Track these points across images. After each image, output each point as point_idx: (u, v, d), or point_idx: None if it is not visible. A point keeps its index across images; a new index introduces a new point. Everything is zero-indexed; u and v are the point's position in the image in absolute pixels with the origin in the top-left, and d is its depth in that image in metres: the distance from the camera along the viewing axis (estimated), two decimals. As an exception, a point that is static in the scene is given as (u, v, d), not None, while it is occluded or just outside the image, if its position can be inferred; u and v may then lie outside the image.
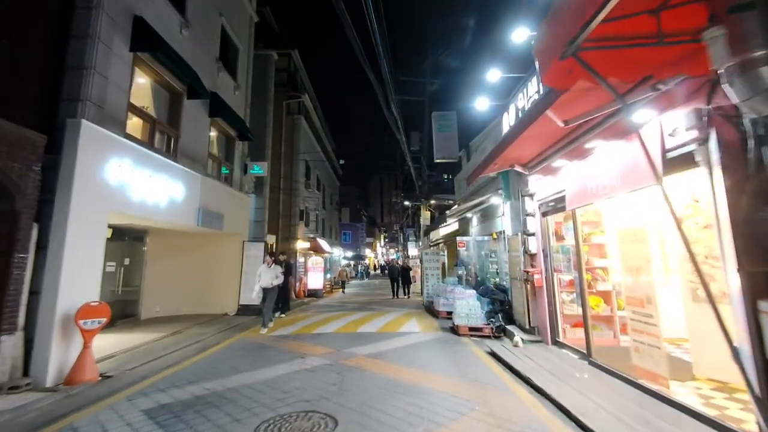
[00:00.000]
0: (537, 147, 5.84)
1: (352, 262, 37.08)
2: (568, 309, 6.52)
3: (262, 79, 16.25)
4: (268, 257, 9.28)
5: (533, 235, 6.96)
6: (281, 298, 10.95)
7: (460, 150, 12.12)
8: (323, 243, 23.10)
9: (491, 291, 8.67)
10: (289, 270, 11.82)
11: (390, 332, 8.37)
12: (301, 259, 20.09)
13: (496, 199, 8.66)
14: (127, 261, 10.02)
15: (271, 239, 16.98)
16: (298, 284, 19.01)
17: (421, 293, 16.77)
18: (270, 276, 9.31)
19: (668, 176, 3.74)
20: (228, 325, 9.56)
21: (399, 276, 16.36)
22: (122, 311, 9.84)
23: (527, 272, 6.95)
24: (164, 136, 8.65)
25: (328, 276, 27.97)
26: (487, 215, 9.81)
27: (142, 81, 8.15)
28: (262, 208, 14.81)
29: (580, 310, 6.47)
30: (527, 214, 7.06)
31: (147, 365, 6.00)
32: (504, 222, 8.54)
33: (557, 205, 6.16)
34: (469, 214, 11.09)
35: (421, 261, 20.24)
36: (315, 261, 19.92)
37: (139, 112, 7.61)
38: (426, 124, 18.09)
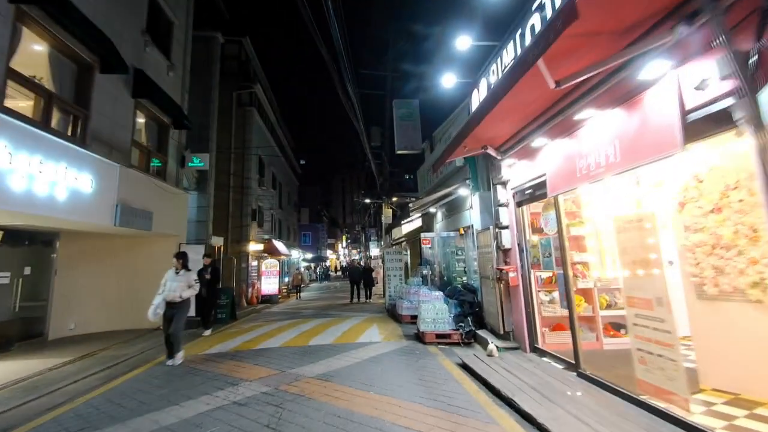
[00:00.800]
0: (514, 123, 4.98)
1: (312, 264, 35.50)
2: (547, 310, 5.73)
3: (206, 63, 14.62)
4: (175, 260, 7.00)
5: (507, 228, 6.12)
6: (206, 312, 9.46)
7: (423, 141, 11.25)
8: (279, 245, 21.55)
9: (459, 292, 7.79)
10: (216, 276, 9.90)
11: (347, 343, 7.26)
12: (254, 263, 18.50)
13: (463, 191, 7.80)
14: (27, 270, 8.21)
15: (217, 241, 15.33)
16: (250, 290, 17.46)
17: (383, 295, 15.78)
18: (177, 285, 6.60)
19: (691, 144, 2.93)
20: (156, 344, 8.03)
21: (360, 278, 15.08)
22: (23, 331, 8.04)
23: (500, 270, 6.10)
24: (68, 117, 7.06)
25: (286, 280, 26.41)
26: (454, 209, 8.95)
27: (36, 47, 6.55)
28: (205, 207, 13.20)
29: (559, 311, 5.71)
30: (500, 205, 6.21)
31: (24, 406, 4.52)
32: (472, 215, 7.69)
33: (535, 193, 5.33)
34: (433, 209, 10.20)
35: (383, 261, 19.30)
36: (269, 264, 18.41)
37: (27, 82, 6.04)
38: (387, 119, 17.16)
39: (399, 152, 11.07)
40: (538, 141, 4.88)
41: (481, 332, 6.88)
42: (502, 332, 6.17)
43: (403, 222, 13.54)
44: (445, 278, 9.68)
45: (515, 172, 5.85)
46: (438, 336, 7.01)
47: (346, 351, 6.62)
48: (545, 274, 5.77)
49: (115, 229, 8.19)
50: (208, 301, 9.46)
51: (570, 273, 4.74)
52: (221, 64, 18.03)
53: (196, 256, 10.52)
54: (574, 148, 4.26)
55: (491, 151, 5.73)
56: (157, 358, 6.76)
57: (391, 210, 19.22)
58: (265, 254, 19.45)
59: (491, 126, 5.02)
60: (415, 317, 9.03)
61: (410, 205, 7.36)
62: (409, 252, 13.48)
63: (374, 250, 25.43)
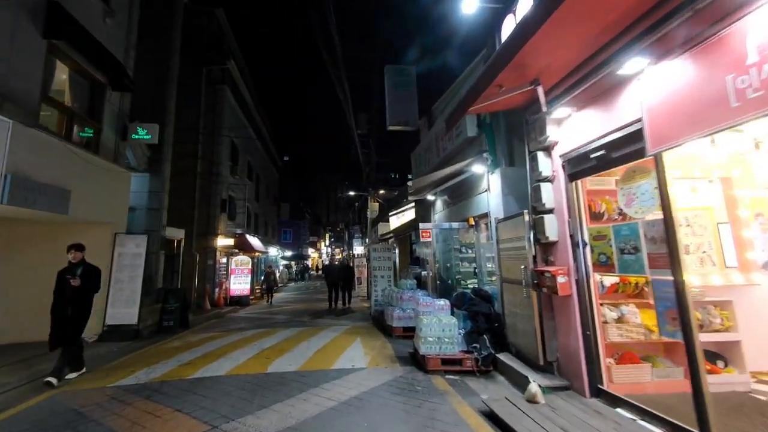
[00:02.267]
0: (586, 41, 3.06)
1: (292, 263, 33.19)
2: (614, 333, 3.83)
3: (167, 27, 12.31)
4: (73, 252, 5.39)
5: (551, 212, 4.21)
6: (68, 339, 5.15)
7: (420, 118, 9.31)
8: (254, 240, 19.26)
9: (469, 300, 5.85)
10: (90, 282, 5.41)
11: (320, 370, 5.22)
12: (224, 260, 16.22)
13: (478, 167, 5.85)
14: None
15: (177, 233, 13.02)
16: (217, 290, 15.19)
17: (368, 297, 13.74)
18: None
19: None
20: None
21: (339, 279, 12.11)
22: None
23: (541, 273, 4.17)
24: None
25: (263, 279, 24.08)
26: (460, 194, 7.00)
27: None
28: (159, 192, 10.92)
29: (627, 335, 3.83)
30: (540, 180, 4.29)
31: None
32: (490, 200, 5.76)
33: (611, 155, 3.40)
34: (431, 196, 8.25)
35: (368, 259, 17.29)
36: (240, 261, 16.16)
37: None
38: (375, 107, 15.21)
39: (391, 128, 9.11)
40: (630, 65, 2.96)
41: (503, 356, 4.95)
42: (541, 362, 4.24)
43: (391, 214, 11.55)
44: (449, 281, 7.72)
45: (571, 128, 3.93)
46: (445, 361, 5.05)
47: (316, 385, 4.58)
48: (609, 280, 3.87)
49: (8, 210, 5.95)
50: (73, 323, 5.19)
51: (683, 277, 2.83)
52: (189, 34, 15.77)
53: (138, 250, 8.31)
54: (724, 59, 2.35)
55: (540, 95, 3.79)
56: (45, 392, 4.57)
57: (377, 204, 17.24)
58: (237, 250, 17.18)
59: (548, 45, 3.09)
60: (408, 329, 7.08)
61: (409, 185, 5.44)
62: (398, 250, 11.48)
63: (358, 248, 23.37)
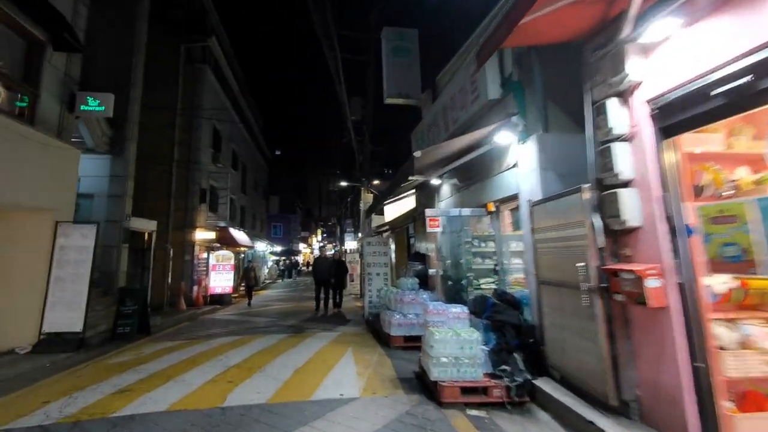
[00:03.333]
0: None
1: (282, 259, 31.68)
2: (732, 363, 2.52)
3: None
4: None
5: (628, 185, 2.88)
6: None
7: (423, 92, 7.93)
8: (238, 234, 17.76)
9: (492, 306, 4.50)
10: None
11: (298, 402, 3.84)
12: (204, 255, 14.71)
13: (504, 136, 4.48)
14: None
15: (148, 225, 11.50)
16: (196, 288, 13.69)
17: (360, 296, 12.38)
18: None
19: None
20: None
21: (328, 276, 9.99)
22: None
23: (615, 273, 2.85)
24: None
25: (242, 276, 22.54)
26: (474, 174, 5.63)
27: None
28: (122, 177, 9.39)
29: (754, 366, 2.51)
30: (611, 139, 2.95)
31: None
32: (520, 178, 4.42)
33: (761, 84, 2.08)
34: (435, 180, 6.89)
35: (360, 255, 15.92)
36: (222, 257, 14.65)
37: None
38: (370, 90, 13.82)
39: (390, 101, 7.73)
40: None
41: (544, 384, 3.63)
42: (612, 401, 2.91)
43: (386, 203, 10.18)
44: (460, 281, 6.36)
45: (670, 55, 2.59)
46: (465, 390, 3.71)
47: (289, 429, 3.21)
48: (719, 285, 2.56)
49: None
50: None
51: None
52: (166, 6, 14.19)
53: (85, 242, 6.83)
54: None
55: (633, 10, 2.43)
56: None
57: (371, 195, 15.84)
58: (218, 244, 15.68)
59: None
60: (411, 339, 5.75)
61: (416, 155, 4.01)
62: (394, 245, 10.09)
63: (350, 243, 21.95)
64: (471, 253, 6.14)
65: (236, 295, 16.10)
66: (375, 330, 7.26)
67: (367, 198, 15.67)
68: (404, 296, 6.15)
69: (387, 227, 12.55)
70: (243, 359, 5.37)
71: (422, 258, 8.50)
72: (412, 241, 11.72)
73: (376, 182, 16.11)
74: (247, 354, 5.65)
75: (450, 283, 6.58)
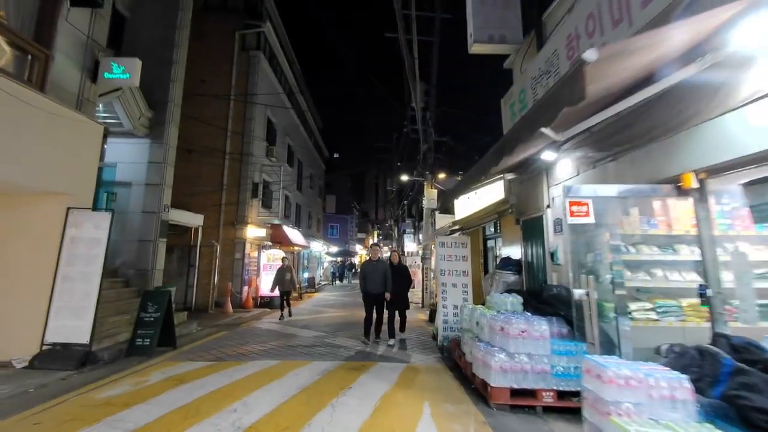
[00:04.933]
0: None
1: (338, 259, 30.46)
2: None
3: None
4: None
5: None
6: None
7: (525, 34, 5.65)
8: (293, 233, 16.53)
9: (734, 374, 2.15)
10: None
11: None
12: (254, 254, 13.55)
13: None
14: None
15: (193, 219, 10.39)
16: (246, 289, 12.49)
17: (422, 306, 10.21)
18: None
19: None
20: None
21: (385, 288, 6.52)
22: None
23: None
24: None
25: (305, 275, 21.40)
26: (650, 124, 3.25)
27: None
28: (160, 163, 8.22)
29: None
30: None
31: None
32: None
33: None
34: (547, 154, 4.59)
35: (423, 259, 13.81)
36: (273, 256, 13.36)
37: None
38: (436, 62, 11.79)
39: (476, 49, 5.57)
40: None
41: None
42: None
43: (459, 196, 7.96)
44: (607, 307, 3.97)
45: None
46: None
47: None
48: None
49: None
50: None
51: None
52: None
53: (97, 233, 5.50)
54: None
55: None
56: None
57: (435, 191, 13.68)
58: (271, 243, 14.48)
59: None
60: (521, 395, 3.55)
61: (588, 56, 1.85)
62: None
63: (410, 245, 19.86)
64: (620, 262, 3.75)
65: (294, 294, 14.78)
66: (456, 365, 5.11)
67: (430, 194, 13.53)
68: (508, 325, 3.93)
69: (457, 228, 10.32)
70: (267, 412, 3.50)
71: (515, 266, 6.19)
72: (490, 244, 9.39)
73: (441, 176, 13.93)
74: (277, 401, 3.78)
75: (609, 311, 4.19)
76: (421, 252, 14.86)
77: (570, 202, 3.04)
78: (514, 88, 5.89)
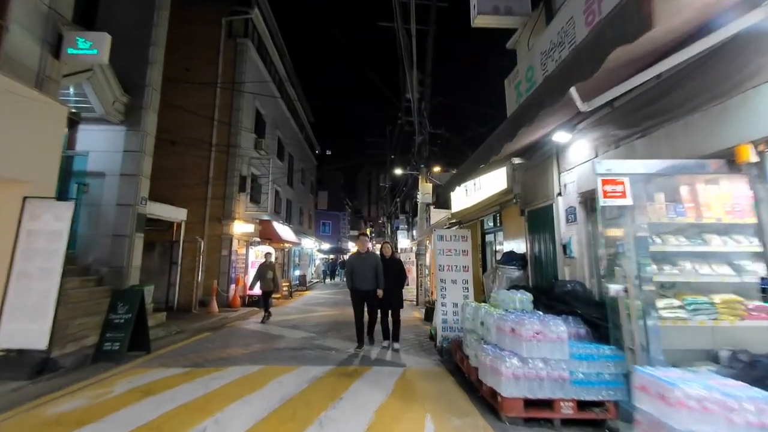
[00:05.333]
0: None
1: (329, 257, 29.89)
2: None
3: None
4: None
5: None
6: None
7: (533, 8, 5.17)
8: (282, 229, 15.94)
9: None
10: None
11: None
12: (242, 251, 12.94)
13: None
14: None
15: (176, 214, 9.77)
16: (233, 287, 11.90)
17: (416, 304, 9.71)
18: None
19: None
20: None
21: (377, 285, 5.78)
22: None
23: None
24: None
25: (296, 273, 20.80)
26: (691, 92, 2.79)
27: None
28: (137, 153, 7.59)
29: None
30: None
31: None
32: None
33: None
34: (560, 135, 4.13)
35: (417, 255, 13.34)
36: (262, 253, 12.77)
37: None
38: (431, 50, 11.33)
39: (480, 22, 5.04)
40: None
41: None
42: None
43: (457, 189, 7.47)
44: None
45: None
46: None
47: None
48: None
49: None
50: None
51: None
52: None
53: (57, 225, 4.91)
54: None
55: None
56: None
57: (430, 185, 13.20)
58: (260, 239, 13.88)
59: None
60: (536, 406, 3.08)
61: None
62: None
63: (404, 242, 19.37)
64: (647, 254, 3.30)
65: (278, 296, 14.21)
66: (457, 369, 4.63)
67: (425, 188, 13.05)
68: (520, 326, 3.45)
69: (454, 222, 9.86)
70: (246, 430, 2.99)
71: (519, 260, 5.72)
72: (488, 239, 8.93)
73: (436, 169, 13.46)
74: (255, 416, 3.26)
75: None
76: (415, 248, 14.38)
77: (603, 180, 2.55)
78: (520, 67, 5.41)
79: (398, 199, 24.35)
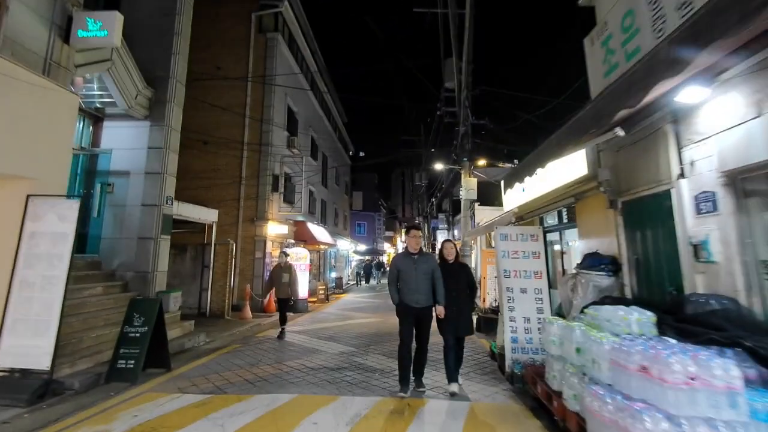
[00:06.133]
0: None
1: (366, 258, 29.09)
2: None
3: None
4: None
5: None
6: None
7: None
8: (317, 230, 15.27)
9: None
10: None
11: None
12: (276, 253, 12.32)
13: None
14: None
15: (207, 215, 9.23)
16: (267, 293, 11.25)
17: (495, 335, 8.40)
18: None
19: None
20: None
21: (431, 299, 4.03)
22: None
23: None
24: None
25: (332, 275, 20.11)
26: None
27: None
28: (160, 148, 7.02)
29: None
30: None
31: None
32: None
33: None
34: (691, 93, 2.91)
35: (472, 256, 12.09)
36: (297, 255, 12.09)
37: None
38: (471, 34, 10.22)
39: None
40: None
41: None
42: None
43: (526, 178, 6.23)
44: None
45: None
46: None
47: None
48: None
49: None
50: None
51: None
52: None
53: (62, 226, 4.26)
54: None
55: None
56: None
57: (475, 180, 11.97)
58: (294, 241, 13.24)
59: None
60: None
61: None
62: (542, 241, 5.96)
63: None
64: None
65: (314, 299, 13.53)
66: (540, 405, 3.49)
67: (468, 183, 11.83)
68: (661, 365, 2.27)
69: (513, 220, 8.60)
70: None
71: (610, 264, 4.47)
72: (550, 238, 7.60)
73: (481, 162, 12.19)
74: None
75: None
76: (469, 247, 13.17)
77: None
78: (608, 18, 4.19)
79: (434, 200, 23.13)
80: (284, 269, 7.40)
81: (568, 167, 5.31)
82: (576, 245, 5.90)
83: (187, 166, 11.25)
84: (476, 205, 12.04)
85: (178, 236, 9.41)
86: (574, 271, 4.94)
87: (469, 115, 11.60)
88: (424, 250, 4.52)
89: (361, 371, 4.85)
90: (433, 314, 4.12)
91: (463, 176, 12.02)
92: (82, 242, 6.72)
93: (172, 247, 9.81)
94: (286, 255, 8.11)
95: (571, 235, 6.38)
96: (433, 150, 14.98)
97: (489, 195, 12.14)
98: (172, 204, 7.10)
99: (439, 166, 13.39)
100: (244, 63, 12.00)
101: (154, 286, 6.66)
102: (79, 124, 6.86)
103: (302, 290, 11.72)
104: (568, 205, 5.86)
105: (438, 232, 19.21)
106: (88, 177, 6.89)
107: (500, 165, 12.65)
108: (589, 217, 5.19)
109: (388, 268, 42.55)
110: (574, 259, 5.75)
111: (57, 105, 4.68)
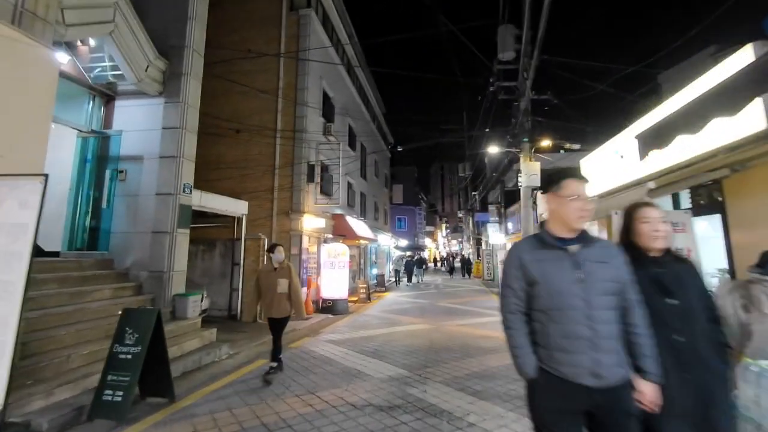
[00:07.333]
0: None
1: (407, 253, 27.59)
2: None
3: None
4: None
5: None
6: None
7: None
8: (357, 224, 14.02)
9: None
10: None
11: None
12: (313, 249, 11.20)
13: None
14: None
15: (235, 206, 8.18)
16: (305, 291, 10.14)
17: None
18: None
19: None
20: None
21: (625, 368, 1.48)
22: None
23: None
24: None
25: (373, 272, 18.85)
26: None
27: None
28: (176, 129, 5.96)
29: None
30: None
31: None
32: None
33: None
34: None
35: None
36: (334, 251, 10.89)
37: None
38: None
39: None
40: None
41: None
42: None
43: (671, 142, 4.45)
44: None
45: None
46: None
47: None
48: None
49: None
50: None
51: None
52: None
53: (22, 215, 3.14)
54: None
55: None
56: None
57: (538, 164, 10.11)
58: (332, 236, 12.07)
59: None
60: None
61: None
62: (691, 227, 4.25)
63: (495, 236, 16.15)
64: None
65: (355, 299, 12.30)
66: None
67: (530, 168, 10.01)
68: None
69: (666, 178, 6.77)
70: None
71: None
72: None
73: (545, 143, 10.27)
74: None
75: None
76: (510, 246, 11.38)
77: None
78: None
79: (476, 193, 21.14)
80: (280, 273, 4.51)
81: (719, 126, 3.49)
82: (714, 238, 4.05)
83: (217, 155, 10.44)
84: (538, 193, 10.16)
85: (206, 231, 8.50)
86: (751, 277, 3.16)
87: (528, 89, 9.73)
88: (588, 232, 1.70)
89: (422, 414, 3.40)
90: (631, 401, 1.51)
91: (522, 160, 10.20)
92: (92, 237, 5.83)
93: (200, 243, 9.00)
94: (279, 250, 4.66)
95: (701, 224, 4.50)
96: (487, 130, 13.12)
97: (561, 177, 10.16)
98: (190, 192, 6.03)
99: (493, 150, 11.59)
100: (276, 43, 10.92)
101: (171, 288, 5.62)
102: (89, 104, 5.97)
103: (342, 289, 10.52)
104: (716, 179, 4.01)
105: (488, 225, 17.27)
106: (100, 163, 5.98)
107: (566, 147, 10.62)
108: (749, 198, 3.38)
109: (431, 265, 40.62)
110: (707, 257, 3.90)
111: (30, 63, 3.63)
